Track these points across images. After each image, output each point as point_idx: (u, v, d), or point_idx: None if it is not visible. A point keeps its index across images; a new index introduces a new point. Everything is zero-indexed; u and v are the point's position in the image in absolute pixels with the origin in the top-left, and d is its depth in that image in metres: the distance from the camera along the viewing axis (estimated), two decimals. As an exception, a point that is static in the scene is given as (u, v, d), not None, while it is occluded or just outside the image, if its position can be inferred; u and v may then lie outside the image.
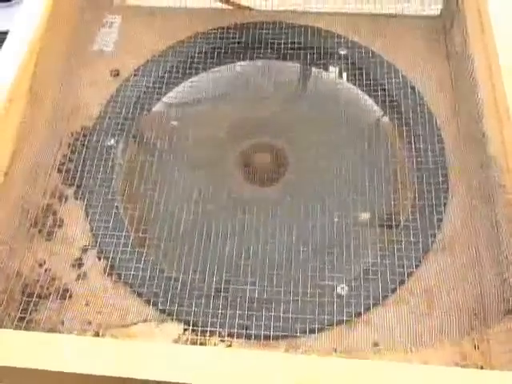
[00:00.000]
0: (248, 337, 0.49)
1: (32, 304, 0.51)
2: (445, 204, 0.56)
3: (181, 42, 0.68)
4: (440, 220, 0.55)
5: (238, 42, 0.67)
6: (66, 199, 0.58)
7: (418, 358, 0.49)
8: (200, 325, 0.49)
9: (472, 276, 0.52)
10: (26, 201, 0.56)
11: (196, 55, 0.67)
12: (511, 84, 0.51)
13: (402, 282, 0.52)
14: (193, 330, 0.49)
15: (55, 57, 0.63)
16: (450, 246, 0.54)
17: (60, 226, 0.56)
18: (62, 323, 0.50)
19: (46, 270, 0.53)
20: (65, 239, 0.55)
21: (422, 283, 0.52)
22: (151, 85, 0.65)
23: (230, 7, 0.74)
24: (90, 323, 0.50)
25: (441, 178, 0.57)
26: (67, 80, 0.64)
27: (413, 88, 0.64)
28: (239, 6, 0.74)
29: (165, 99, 0.66)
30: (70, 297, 0.52)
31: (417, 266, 0.52)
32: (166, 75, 0.66)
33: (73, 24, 0.68)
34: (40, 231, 0.55)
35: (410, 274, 0.52)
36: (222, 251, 0.55)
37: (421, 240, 0.54)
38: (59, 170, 0.59)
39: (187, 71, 0.67)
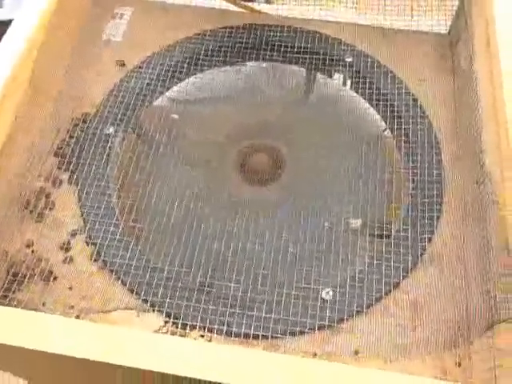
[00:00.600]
0: (228, 334, 0.49)
1: (16, 283, 0.51)
2: (437, 218, 0.55)
3: (188, 38, 0.68)
4: (431, 233, 0.54)
5: (246, 43, 0.68)
6: (61, 183, 0.58)
7: (397, 368, 0.48)
8: (181, 318, 0.49)
9: (459, 291, 0.52)
10: (20, 182, 0.56)
11: (202, 52, 0.67)
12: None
13: (387, 292, 0.51)
14: (173, 323, 0.49)
15: (61, 44, 0.63)
16: (438, 260, 0.54)
17: (51, 209, 0.56)
18: (44, 305, 0.50)
19: (33, 251, 0.53)
20: (55, 222, 0.55)
21: (408, 295, 0.52)
22: (155, 78, 0.65)
23: (243, 10, 0.74)
24: (72, 307, 0.50)
25: (435, 192, 0.56)
26: (74, 68, 0.65)
27: (415, 100, 0.64)
28: (252, 10, 0.74)
29: (168, 94, 0.67)
30: (55, 279, 0.52)
31: (404, 277, 0.52)
32: (171, 70, 0.66)
33: (83, 13, 0.69)
34: (31, 212, 0.55)
35: (396, 285, 0.52)
36: (210, 247, 0.55)
37: (410, 252, 0.53)
38: (56, 155, 0.60)
39: (192, 68, 0.67)
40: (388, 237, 0.56)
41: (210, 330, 0.49)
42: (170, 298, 0.50)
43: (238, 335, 0.49)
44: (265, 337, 0.49)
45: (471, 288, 0.51)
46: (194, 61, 0.67)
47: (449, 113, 0.64)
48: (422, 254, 0.53)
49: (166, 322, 0.50)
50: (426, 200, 0.56)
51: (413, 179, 0.58)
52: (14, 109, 0.54)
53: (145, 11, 0.73)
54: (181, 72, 0.67)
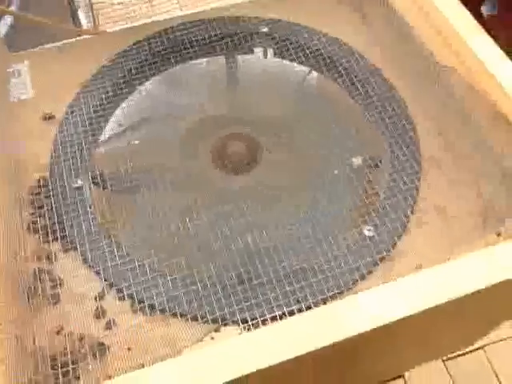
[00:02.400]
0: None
1: (71, 374, 0.45)
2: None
3: (105, 66, 0.65)
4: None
5: (164, 49, 0.66)
6: (56, 256, 0.52)
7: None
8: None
9: (469, 183, 0.56)
10: (13, 274, 0.49)
11: (126, 74, 0.64)
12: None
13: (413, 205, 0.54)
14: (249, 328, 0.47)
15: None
16: (437, 164, 0.58)
17: (61, 285, 0.50)
18: (111, 378, 0.45)
19: (67, 335, 0.47)
20: (74, 295, 0.49)
21: (427, 201, 0.55)
22: (93, 115, 0.61)
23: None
24: (141, 365, 0.46)
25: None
26: (3, 137, 0.58)
27: (339, 41, 0.67)
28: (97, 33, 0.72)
29: (109, 125, 0.62)
30: (109, 349, 0.46)
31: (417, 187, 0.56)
32: (104, 102, 0.62)
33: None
34: (43, 298, 0.49)
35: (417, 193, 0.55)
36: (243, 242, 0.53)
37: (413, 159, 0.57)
38: (34, 230, 0.53)
39: (123, 90, 0.64)
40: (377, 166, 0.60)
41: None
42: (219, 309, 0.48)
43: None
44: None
45: (482, 175, 0.56)
46: (120, 85, 0.64)
47: (375, 46, 0.69)
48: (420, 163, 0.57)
49: (242, 330, 0.47)
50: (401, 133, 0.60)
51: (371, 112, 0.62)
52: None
53: (39, 59, 0.67)
54: (112, 101, 0.63)
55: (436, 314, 0.43)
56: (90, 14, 1.18)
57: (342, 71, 0.65)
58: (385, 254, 0.51)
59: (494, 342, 1.07)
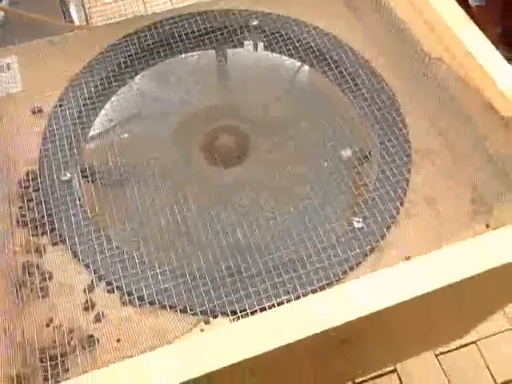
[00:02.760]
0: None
1: (60, 366, 0.45)
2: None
3: (94, 60, 0.64)
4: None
5: (154, 43, 0.66)
6: (45, 249, 0.51)
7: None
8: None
9: (459, 173, 0.57)
10: (1, 267, 0.49)
11: (115, 68, 0.64)
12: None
13: (403, 197, 0.55)
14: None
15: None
16: (428, 155, 0.58)
17: (51, 278, 0.50)
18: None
19: (56, 327, 0.47)
20: (63, 288, 0.49)
21: (417, 193, 0.56)
22: (83, 108, 0.61)
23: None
24: (131, 357, 0.45)
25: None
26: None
27: (329, 34, 0.67)
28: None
29: (99, 119, 0.62)
30: (98, 341, 0.46)
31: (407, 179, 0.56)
32: (93, 96, 0.62)
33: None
34: (31, 290, 0.49)
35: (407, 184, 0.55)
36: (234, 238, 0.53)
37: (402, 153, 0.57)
38: (23, 224, 0.53)
39: (112, 84, 0.64)
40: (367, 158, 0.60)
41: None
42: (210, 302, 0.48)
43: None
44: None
45: (473, 167, 0.56)
46: (110, 79, 0.64)
47: (364, 37, 0.69)
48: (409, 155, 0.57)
49: (231, 322, 0.47)
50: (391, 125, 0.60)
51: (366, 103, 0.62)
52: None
53: (29, 53, 0.67)
54: (102, 94, 0.63)
55: (425, 303, 0.43)
56: (82, 9, 1.17)
57: (332, 64, 0.65)
58: (374, 245, 0.51)
59: (486, 337, 1.08)
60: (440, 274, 0.40)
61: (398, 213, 0.54)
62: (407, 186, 0.55)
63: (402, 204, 0.54)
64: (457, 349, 1.07)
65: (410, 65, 0.62)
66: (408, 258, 0.51)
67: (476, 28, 0.56)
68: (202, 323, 0.47)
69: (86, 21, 1.02)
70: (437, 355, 1.06)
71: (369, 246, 0.51)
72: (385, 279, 0.40)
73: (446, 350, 1.06)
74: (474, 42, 0.55)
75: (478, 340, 1.08)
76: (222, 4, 0.70)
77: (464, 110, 0.57)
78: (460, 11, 0.57)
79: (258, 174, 0.60)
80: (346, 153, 0.58)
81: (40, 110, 0.61)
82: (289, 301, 0.48)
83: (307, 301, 0.39)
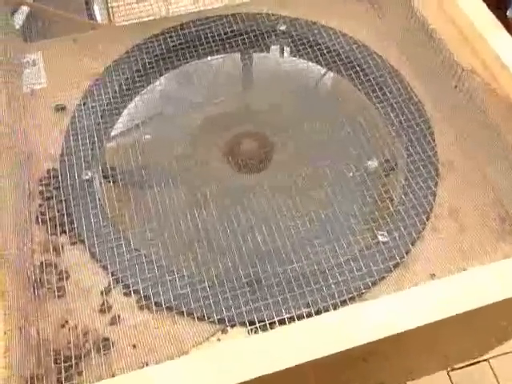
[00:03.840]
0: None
1: (73, 368, 0.44)
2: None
3: (119, 60, 0.64)
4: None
5: (180, 44, 0.65)
6: (63, 248, 0.51)
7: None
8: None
9: (482, 183, 0.55)
10: (19, 266, 0.48)
11: (140, 68, 0.63)
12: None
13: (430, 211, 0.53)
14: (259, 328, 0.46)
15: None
16: (451, 167, 0.57)
17: (67, 278, 0.49)
18: (114, 375, 0.44)
19: (71, 328, 0.46)
20: (79, 289, 0.49)
21: (443, 206, 0.54)
22: (106, 108, 0.60)
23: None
24: (146, 364, 0.45)
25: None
26: (12, 128, 0.57)
27: (357, 42, 0.66)
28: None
29: (122, 119, 0.62)
30: (113, 345, 0.45)
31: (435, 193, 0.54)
32: (117, 95, 0.61)
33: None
34: (49, 290, 0.48)
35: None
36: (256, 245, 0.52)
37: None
38: (42, 222, 0.52)
39: (136, 84, 0.63)
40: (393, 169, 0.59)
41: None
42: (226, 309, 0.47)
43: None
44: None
45: (501, 183, 0.55)
46: (134, 79, 0.63)
47: (393, 45, 0.67)
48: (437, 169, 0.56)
49: (249, 332, 0.46)
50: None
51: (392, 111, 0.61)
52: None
53: (54, 50, 0.67)
54: (126, 94, 0.62)
55: (444, 326, 0.41)
56: (105, 7, 1.17)
57: (360, 72, 0.63)
58: (398, 260, 0.50)
59: (499, 355, 1.06)
60: (463, 298, 0.39)
61: (423, 228, 0.52)
62: (434, 200, 0.54)
63: (428, 218, 0.53)
64: (468, 366, 1.05)
65: (440, 75, 0.60)
66: (433, 275, 0.50)
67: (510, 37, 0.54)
68: (220, 332, 0.46)
69: (109, 19, 1.01)
70: (448, 371, 1.04)
71: (393, 262, 0.50)
72: (406, 301, 0.39)
73: (458, 366, 1.04)
74: (510, 55, 0.53)
75: (491, 358, 1.06)
76: (249, 7, 0.69)
77: (493, 125, 0.55)
78: (495, 21, 0.55)
79: (280, 179, 0.59)
80: (373, 163, 0.57)
81: (63, 108, 0.60)
82: (309, 314, 0.46)
83: (326, 318, 0.38)
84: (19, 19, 1.19)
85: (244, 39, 0.67)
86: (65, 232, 0.52)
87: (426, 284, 0.40)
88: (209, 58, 0.66)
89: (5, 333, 0.38)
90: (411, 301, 0.39)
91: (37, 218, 0.52)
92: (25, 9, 1.23)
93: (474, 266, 0.51)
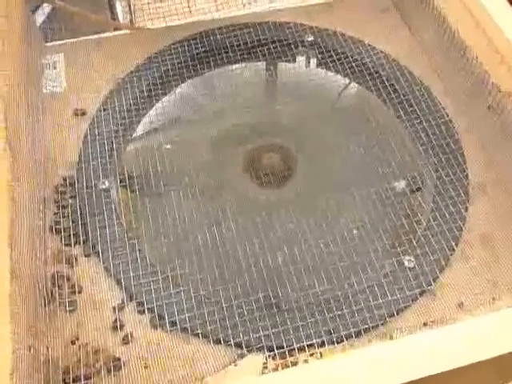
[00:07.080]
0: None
1: (83, 389, 0.42)
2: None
3: (141, 65, 0.62)
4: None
5: (204, 51, 0.63)
6: (76, 260, 0.49)
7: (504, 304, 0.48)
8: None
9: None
10: (30, 278, 0.46)
11: (162, 74, 0.62)
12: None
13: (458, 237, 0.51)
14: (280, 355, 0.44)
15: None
16: (484, 191, 0.54)
17: (80, 292, 0.47)
18: (126, 398, 0.42)
19: (82, 346, 0.44)
20: (92, 304, 0.47)
21: (473, 232, 0.52)
22: (126, 114, 0.58)
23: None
24: (159, 387, 0.43)
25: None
26: (30, 131, 0.56)
27: (387, 57, 0.64)
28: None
29: (141, 126, 0.60)
30: (124, 365, 0.44)
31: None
32: (138, 102, 0.60)
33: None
34: (60, 304, 0.46)
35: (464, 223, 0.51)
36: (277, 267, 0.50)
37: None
38: (56, 231, 0.51)
39: (158, 91, 0.61)
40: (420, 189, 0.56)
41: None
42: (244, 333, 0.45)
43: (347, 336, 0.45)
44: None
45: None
46: (156, 86, 0.61)
47: (425, 61, 0.65)
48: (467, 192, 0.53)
49: (267, 358, 0.44)
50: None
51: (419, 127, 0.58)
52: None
53: (75, 52, 0.65)
54: (145, 102, 0.61)
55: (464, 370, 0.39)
56: (128, 8, 1.16)
57: (389, 87, 0.61)
58: (425, 287, 0.47)
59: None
60: (488, 343, 0.36)
61: (452, 254, 0.50)
62: (464, 225, 0.51)
63: (457, 244, 0.50)
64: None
65: (473, 94, 0.58)
66: (461, 305, 0.47)
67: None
68: (236, 357, 0.44)
69: (131, 21, 1.00)
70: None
71: (419, 289, 0.47)
72: (428, 344, 0.36)
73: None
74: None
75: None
76: (276, 16, 0.67)
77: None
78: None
79: (303, 197, 0.57)
80: (400, 184, 0.55)
81: (83, 113, 0.59)
82: (331, 341, 0.44)
83: (342, 361, 0.35)
84: (40, 18, 1.19)
85: (270, 48, 0.65)
86: (79, 243, 0.50)
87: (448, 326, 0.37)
88: (233, 66, 0.64)
89: (13, 352, 0.37)
90: (429, 346, 0.35)
91: (50, 227, 0.51)
92: (46, 7, 1.22)
93: (504, 298, 0.48)
